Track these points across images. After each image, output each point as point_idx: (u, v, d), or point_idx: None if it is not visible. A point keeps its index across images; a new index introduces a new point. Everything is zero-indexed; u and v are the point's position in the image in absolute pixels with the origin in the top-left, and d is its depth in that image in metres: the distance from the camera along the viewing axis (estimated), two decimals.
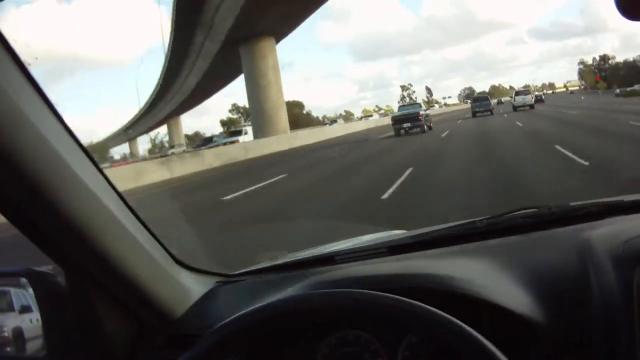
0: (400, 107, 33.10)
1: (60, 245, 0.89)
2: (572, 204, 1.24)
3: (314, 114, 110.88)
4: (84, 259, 0.91)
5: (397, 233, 1.45)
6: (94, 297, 0.99)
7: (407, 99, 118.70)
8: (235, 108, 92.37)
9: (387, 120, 47.51)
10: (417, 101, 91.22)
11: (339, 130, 43.65)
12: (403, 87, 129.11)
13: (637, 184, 6.27)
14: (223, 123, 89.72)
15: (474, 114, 36.50)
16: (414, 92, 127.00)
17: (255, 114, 39.37)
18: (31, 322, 1.13)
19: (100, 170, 0.91)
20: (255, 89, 38.38)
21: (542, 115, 28.37)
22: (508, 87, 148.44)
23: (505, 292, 0.93)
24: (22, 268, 1.11)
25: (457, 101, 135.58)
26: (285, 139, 30.68)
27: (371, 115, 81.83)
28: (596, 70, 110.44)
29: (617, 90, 63.28)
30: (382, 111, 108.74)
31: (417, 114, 25.85)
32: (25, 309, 1.16)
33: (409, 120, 25.74)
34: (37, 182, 0.78)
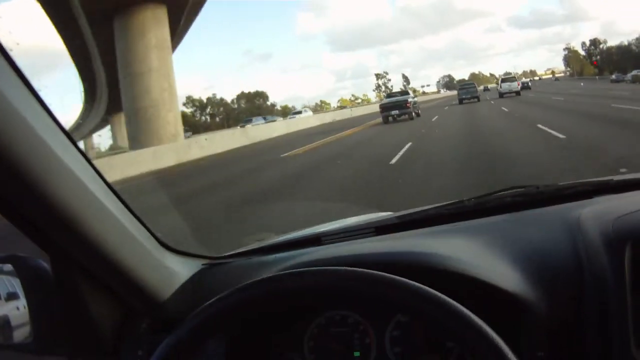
0: (388, 94, 33.29)
1: (44, 230, 0.87)
2: (561, 183, 1.25)
3: (291, 104, 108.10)
4: (69, 244, 0.90)
5: (384, 215, 1.45)
6: (79, 283, 0.98)
7: (383, 88, 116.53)
8: (190, 101, 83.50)
9: (363, 111, 45.40)
10: (394, 90, 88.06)
11: (296, 124, 35.47)
12: (378, 75, 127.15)
13: (598, 150, 8.32)
14: None
15: (461, 101, 36.88)
16: (389, 80, 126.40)
17: (129, 114, 27.50)
18: (18, 310, 1.12)
19: (84, 155, 0.90)
20: (127, 79, 26.77)
21: (528, 102, 28.89)
22: (488, 75, 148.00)
23: (494, 270, 0.93)
24: (7, 254, 1.10)
25: (435, 89, 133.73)
26: (170, 151, 19.94)
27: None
28: (585, 56, 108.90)
29: (613, 76, 60.64)
30: (359, 100, 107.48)
31: (405, 102, 26.53)
32: (12, 296, 1.15)
33: (396, 108, 26.39)
34: (19, 167, 0.76)
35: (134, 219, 1.01)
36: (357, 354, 1.01)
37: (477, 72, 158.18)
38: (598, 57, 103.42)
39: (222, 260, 1.24)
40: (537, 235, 1.02)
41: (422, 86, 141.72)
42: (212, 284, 1.12)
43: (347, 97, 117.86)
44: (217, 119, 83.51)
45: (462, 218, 1.17)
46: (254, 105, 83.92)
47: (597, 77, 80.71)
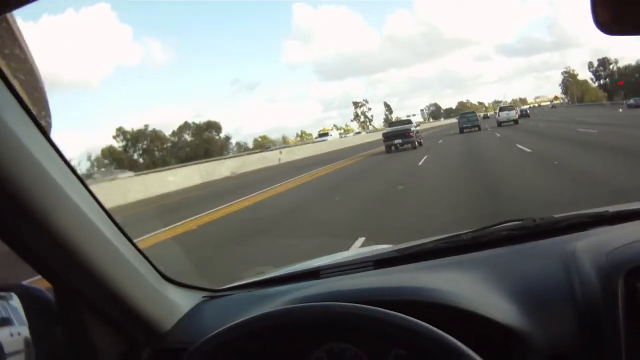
0: (390, 123, 33.51)
1: (49, 262, 0.89)
2: (556, 215, 1.26)
3: (274, 136, 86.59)
4: (73, 276, 0.92)
5: (383, 247, 1.46)
6: (83, 313, 0.99)
7: (362, 118, 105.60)
8: (120, 133, 64.79)
9: (347, 143, 40.38)
10: (373, 120, 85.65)
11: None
12: (356, 104, 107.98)
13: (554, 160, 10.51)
14: (104, 154, 62.48)
15: (461, 130, 36.58)
16: (369, 109, 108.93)
17: None
18: (12, 336, 1.12)
19: (87, 188, 0.92)
20: None
21: (545, 135, 25.67)
22: (477, 103, 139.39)
23: (490, 303, 0.94)
24: (12, 283, 1.11)
25: (421, 119, 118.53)
26: None
27: (327, 134, 69.11)
28: (593, 78, 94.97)
29: (631, 101, 49.69)
30: (342, 130, 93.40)
31: (408, 131, 26.66)
32: (5, 322, 1.15)
33: (399, 137, 26.51)
34: (24, 199, 0.78)
35: (136, 252, 1.03)
36: None
37: (465, 101, 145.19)
38: (602, 80, 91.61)
39: (222, 293, 1.25)
40: (533, 268, 1.03)
41: (408, 115, 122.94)
42: (213, 316, 1.14)
43: (332, 126, 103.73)
44: (157, 154, 66.49)
45: (460, 252, 1.18)
46: (201, 139, 66.86)
47: (606, 102, 70.84)
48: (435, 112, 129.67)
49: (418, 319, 0.80)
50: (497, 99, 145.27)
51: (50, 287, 1.00)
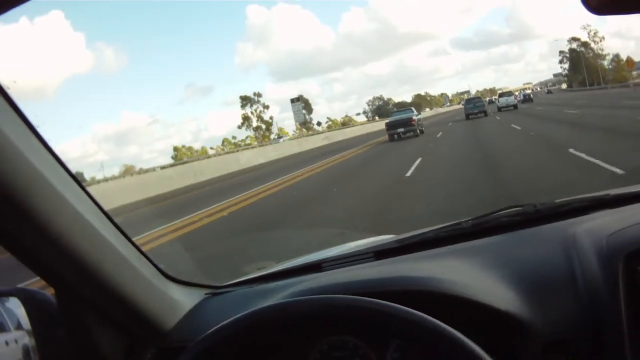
0: (393, 112, 33.39)
1: (48, 264, 0.90)
2: (557, 200, 1.26)
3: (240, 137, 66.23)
4: (73, 277, 0.93)
5: (384, 238, 1.46)
6: (85, 315, 1.00)
7: (256, 121, 66.93)
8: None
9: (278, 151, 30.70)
10: (274, 125, 64.22)
11: None
12: (247, 101, 68.03)
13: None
14: None
15: (467, 116, 36.57)
16: (266, 107, 68.67)
17: None
18: (7, 345, 1.11)
19: (84, 189, 0.93)
20: None
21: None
22: (438, 95, 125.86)
23: (491, 290, 0.94)
24: (13, 287, 1.12)
25: (364, 119, 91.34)
26: None
27: (280, 137, 58.97)
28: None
29: None
30: (275, 135, 66.05)
31: (410, 119, 26.71)
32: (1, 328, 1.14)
33: (402, 125, 26.60)
34: (23, 203, 0.79)
35: (136, 251, 1.03)
36: None
37: (423, 94, 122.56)
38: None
39: (224, 290, 1.26)
40: (533, 254, 1.03)
41: (347, 115, 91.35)
42: (215, 312, 1.14)
43: (291, 127, 75.51)
44: None
45: (460, 240, 1.18)
46: None
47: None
48: (382, 108, 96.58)
49: (419, 308, 0.80)
50: (459, 91, 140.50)
51: (52, 290, 1.00)
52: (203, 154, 51.57)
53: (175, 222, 9.96)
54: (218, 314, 1.09)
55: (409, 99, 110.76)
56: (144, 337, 1.08)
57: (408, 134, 26.30)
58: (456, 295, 0.93)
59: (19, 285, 1.11)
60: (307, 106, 77.71)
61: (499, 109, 41.37)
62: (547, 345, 0.87)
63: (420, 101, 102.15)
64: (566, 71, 79.36)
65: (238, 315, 0.87)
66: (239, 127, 68.34)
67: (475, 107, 37.71)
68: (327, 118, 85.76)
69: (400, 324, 0.78)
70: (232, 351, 0.90)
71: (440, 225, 1.29)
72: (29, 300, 1.09)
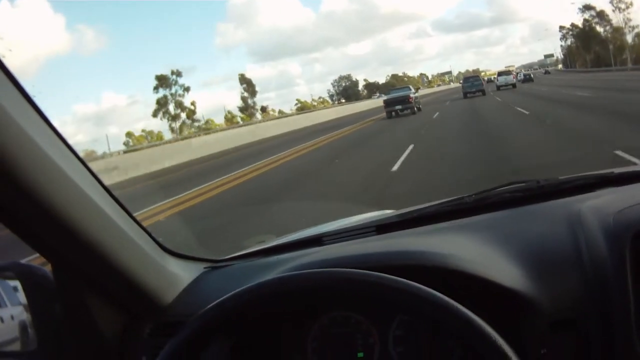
0: (391, 90, 33.53)
1: (45, 238, 0.88)
2: (561, 177, 1.24)
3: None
4: (70, 251, 0.91)
5: (386, 212, 1.45)
6: (82, 289, 0.98)
7: (175, 109, 52.89)
8: None
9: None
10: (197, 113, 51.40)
11: None
12: (161, 81, 52.43)
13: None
14: None
15: (465, 95, 36.38)
16: (185, 89, 54.82)
17: None
18: (2, 322, 1.10)
19: (83, 161, 0.90)
20: None
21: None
22: (417, 76, 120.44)
23: (495, 266, 0.92)
24: (8, 262, 1.10)
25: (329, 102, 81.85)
26: None
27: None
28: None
29: None
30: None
31: (408, 97, 27.05)
32: None
33: (400, 103, 26.95)
34: (16, 175, 0.76)
35: (135, 225, 1.01)
36: (360, 354, 1.01)
37: (400, 74, 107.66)
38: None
39: (224, 263, 1.24)
40: (538, 230, 1.01)
41: (312, 99, 79.57)
42: (215, 287, 1.12)
43: (273, 107, 66.88)
44: None
45: (463, 215, 1.17)
46: None
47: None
48: (349, 89, 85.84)
49: (421, 283, 0.78)
50: (440, 72, 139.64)
51: (49, 266, 0.98)
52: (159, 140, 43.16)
53: None
54: (217, 288, 1.08)
55: (384, 80, 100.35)
56: (142, 312, 1.06)
57: (405, 111, 26.41)
58: (460, 271, 0.91)
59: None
60: (250, 87, 64.43)
61: (498, 87, 41.72)
62: (554, 324, 0.86)
63: (396, 82, 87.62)
64: (565, 50, 72.92)
65: (238, 290, 0.85)
66: (154, 116, 54.50)
67: (473, 85, 36.98)
68: (297, 100, 76.82)
69: (407, 299, 0.77)
70: (232, 325, 0.89)
71: (442, 200, 1.27)
72: (26, 275, 1.07)
